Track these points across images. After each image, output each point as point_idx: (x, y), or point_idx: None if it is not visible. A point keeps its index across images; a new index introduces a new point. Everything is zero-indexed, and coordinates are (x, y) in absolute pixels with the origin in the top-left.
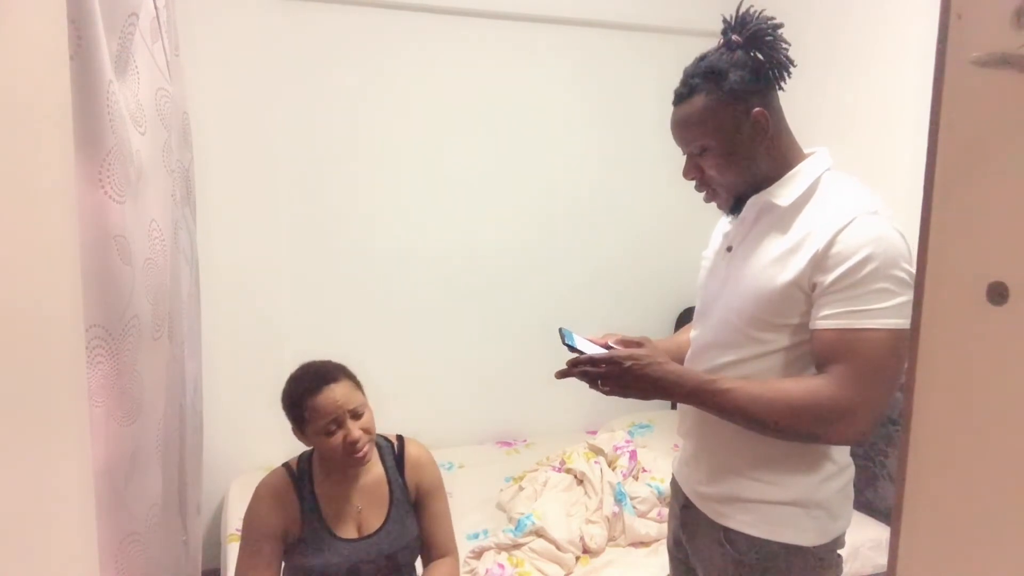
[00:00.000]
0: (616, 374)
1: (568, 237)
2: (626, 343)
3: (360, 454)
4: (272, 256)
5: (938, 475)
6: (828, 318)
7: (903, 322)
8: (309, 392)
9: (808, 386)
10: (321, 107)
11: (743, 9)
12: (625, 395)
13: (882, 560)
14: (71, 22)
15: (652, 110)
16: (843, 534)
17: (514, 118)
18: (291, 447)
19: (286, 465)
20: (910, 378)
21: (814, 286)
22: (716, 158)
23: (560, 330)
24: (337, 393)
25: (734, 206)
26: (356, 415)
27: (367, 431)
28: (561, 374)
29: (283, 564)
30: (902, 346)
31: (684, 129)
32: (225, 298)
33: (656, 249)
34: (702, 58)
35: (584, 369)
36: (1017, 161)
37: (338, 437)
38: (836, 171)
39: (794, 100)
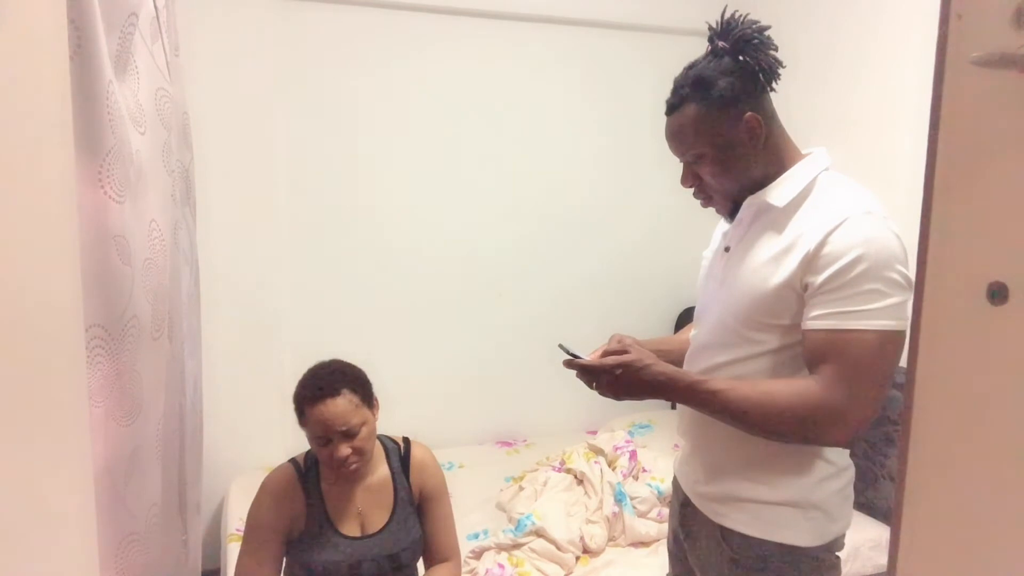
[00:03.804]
0: (608, 382)
1: (568, 237)
2: (611, 353)
3: (347, 471)
4: (272, 256)
5: (938, 475)
6: (818, 319)
7: (893, 323)
8: (308, 400)
9: (797, 387)
10: (321, 107)
11: (728, 14)
12: (620, 399)
13: (882, 560)
14: (71, 22)
15: (652, 110)
16: (842, 536)
17: (514, 118)
18: (291, 447)
19: (293, 461)
20: (910, 378)
21: (806, 287)
22: (712, 165)
23: (560, 346)
24: (329, 412)
25: (732, 210)
26: (348, 435)
27: (358, 450)
28: (567, 363)
29: (285, 559)
30: (892, 347)
31: (678, 139)
32: (225, 298)
33: (656, 249)
34: (690, 67)
35: (578, 375)
36: (1017, 161)
37: (327, 450)
38: (834, 171)
39: (794, 101)
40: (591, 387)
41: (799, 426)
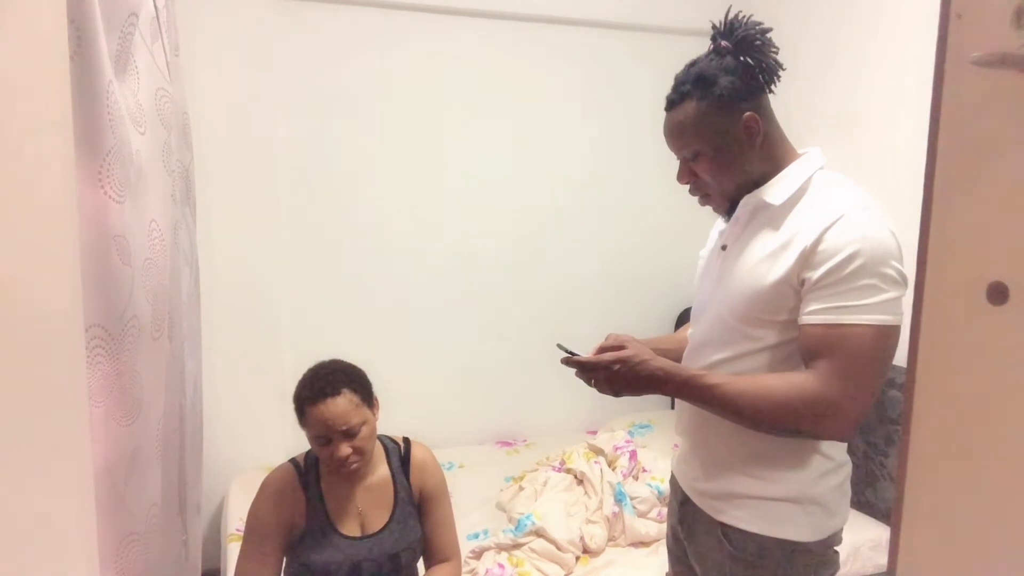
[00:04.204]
0: (606, 378)
1: (568, 237)
2: (607, 349)
3: (347, 470)
4: (272, 256)
5: (938, 475)
6: (814, 313)
7: (889, 318)
8: (308, 400)
9: (794, 381)
10: (321, 107)
11: (732, 14)
12: (618, 395)
13: (882, 560)
14: (71, 22)
15: (652, 110)
16: (840, 531)
17: (513, 118)
18: (291, 447)
19: (293, 461)
20: (910, 378)
21: (803, 282)
22: (709, 163)
23: (558, 345)
24: (329, 412)
25: (729, 208)
26: (349, 434)
27: (359, 450)
28: (565, 361)
29: (285, 559)
30: (888, 342)
31: (677, 135)
32: (225, 298)
33: (656, 249)
34: (692, 64)
35: (576, 374)
36: (1017, 161)
37: (327, 450)
38: (828, 171)
39: (794, 101)
40: (590, 384)
41: (797, 420)
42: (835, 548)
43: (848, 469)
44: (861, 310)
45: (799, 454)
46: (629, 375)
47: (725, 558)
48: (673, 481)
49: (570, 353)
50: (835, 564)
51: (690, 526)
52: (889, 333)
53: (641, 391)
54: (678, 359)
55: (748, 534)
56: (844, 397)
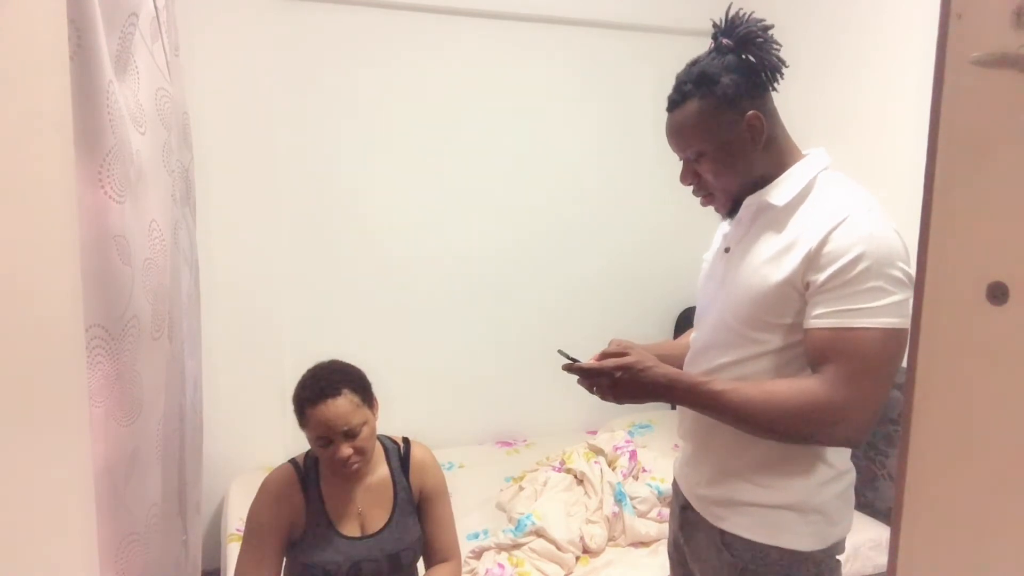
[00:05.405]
0: (609, 385)
1: (568, 237)
2: (609, 355)
3: (349, 471)
4: (272, 256)
5: (938, 475)
6: (821, 317)
7: (897, 321)
8: (308, 401)
9: (802, 387)
10: (321, 107)
11: (733, 11)
12: (621, 403)
13: (882, 560)
14: (71, 22)
15: (652, 110)
16: (842, 540)
17: (513, 118)
18: (291, 447)
19: (293, 461)
20: (910, 378)
21: (807, 285)
22: (712, 163)
23: (559, 351)
24: (330, 412)
25: (732, 209)
26: (350, 435)
27: (360, 450)
28: (567, 368)
29: (285, 560)
30: (896, 345)
31: (679, 136)
32: (225, 298)
33: (656, 249)
34: (694, 63)
35: (579, 381)
36: (1017, 161)
37: (329, 451)
38: (832, 171)
39: (794, 100)
40: (591, 391)
41: (804, 426)
42: (837, 557)
43: (851, 477)
44: (868, 313)
45: (803, 461)
46: (632, 382)
47: (724, 565)
48: (675, 485)
49: (571, 359)
50: (837, 572)
51: (690, 532)
52: (897, 336)
53: (644, 399)
54: (680, 365)
55: (748, 542)
56: (854, 402)
